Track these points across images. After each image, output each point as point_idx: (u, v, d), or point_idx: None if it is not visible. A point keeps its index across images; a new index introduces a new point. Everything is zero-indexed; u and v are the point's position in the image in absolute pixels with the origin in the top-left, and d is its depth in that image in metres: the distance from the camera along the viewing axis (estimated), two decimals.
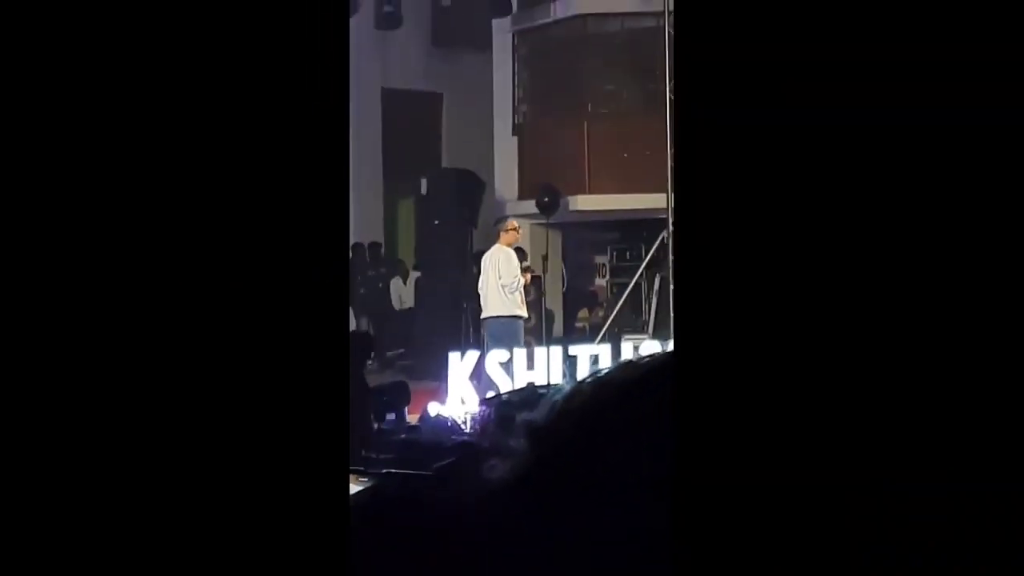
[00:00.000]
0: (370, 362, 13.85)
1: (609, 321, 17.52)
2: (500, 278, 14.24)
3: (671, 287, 16.87)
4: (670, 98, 16.70)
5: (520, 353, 13.64)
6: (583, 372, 13.60)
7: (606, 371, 0.96)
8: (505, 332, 14.19)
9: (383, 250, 20.37)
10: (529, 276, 14.71)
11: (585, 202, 18.95)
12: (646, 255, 17.95)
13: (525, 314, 14.55)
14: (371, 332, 18.21)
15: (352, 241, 18.72)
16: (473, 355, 13.16)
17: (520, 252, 15.56)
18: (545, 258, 18.14)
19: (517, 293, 14.33)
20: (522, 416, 0.94)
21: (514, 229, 14.88)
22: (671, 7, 16.67)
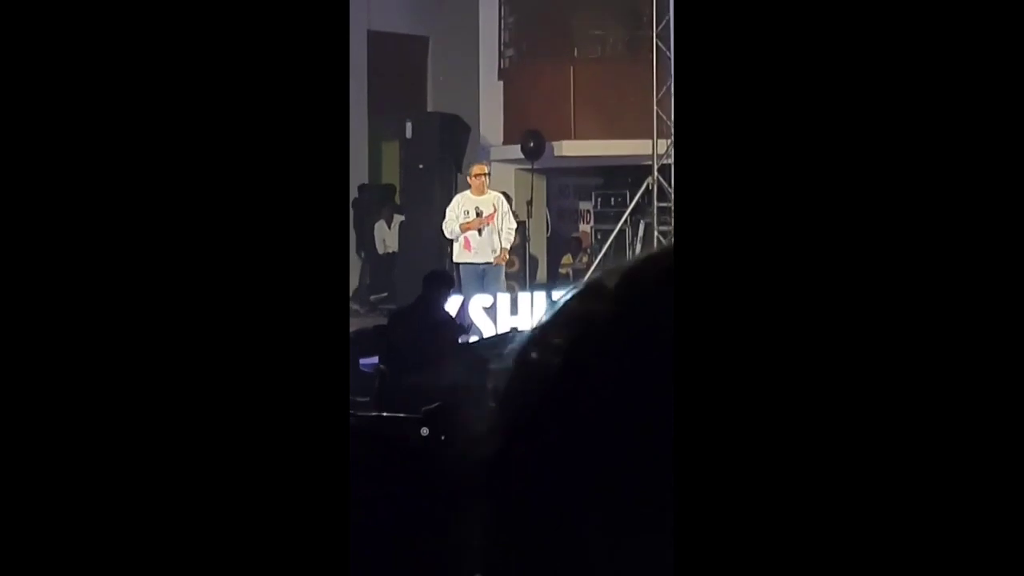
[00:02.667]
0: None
1: (593, 267, 17.50)
2: None
3: (656, 234, 16.85)
4: (656, 44, 16.62)
5: (504, 298, 13.70)
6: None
7: (582, 291, 0.93)
8: (465, 279, 14.30)
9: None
10: (478, 222, 14.50)
11: (570, 147, 18.88)
12: (631, 201, 17.91)
13: (480, 260, 14.42)
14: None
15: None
16: (456, 299, 13.19)
17: (507, 198, 15.41)
18: (529, 203, 18.09)
19: (461, 239, 14.33)
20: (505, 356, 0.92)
21: (477, 175, 14.77)
22: None
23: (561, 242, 20.45)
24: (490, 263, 14.42)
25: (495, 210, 14.54)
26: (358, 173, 19.86)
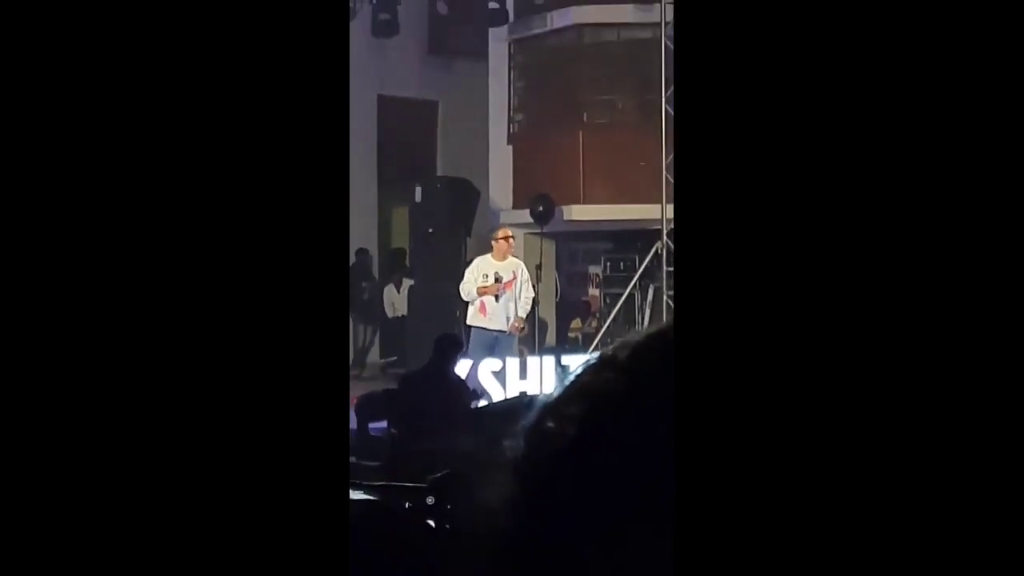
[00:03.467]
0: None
1: (602, 331, 17.53)
2: None
3: (665, 298, 16.89)
4: (665, 109, 16.73)
5: (513, 362, 13.68)
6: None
7: (595, 363, 0.95)
8: (476, 343, 14.16)
9: (376, 257, 20.43)
10: (496, 287, 14.39)
11: (579, 212, 18.96)
12: (640, 266, 17.96)
13: (493, 327, 14.24)
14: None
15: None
16: (466, 363, 13.17)
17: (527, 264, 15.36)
18: (539, 267, 18.17)
19: (477, 302, 14.20)
20: (516, 424, 0.94)
21: (501, 239, 14.62)
22: (668, 18, 16.71)
23: (570, 306, 20.49)
24: (503, 331, 14.24)
25: (515, 277, 14.44)
26: (368, 237, 19.97)
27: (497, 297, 14.27)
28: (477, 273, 14.40)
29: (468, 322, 14.43)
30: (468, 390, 11.94)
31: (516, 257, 15.11)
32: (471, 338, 14.23)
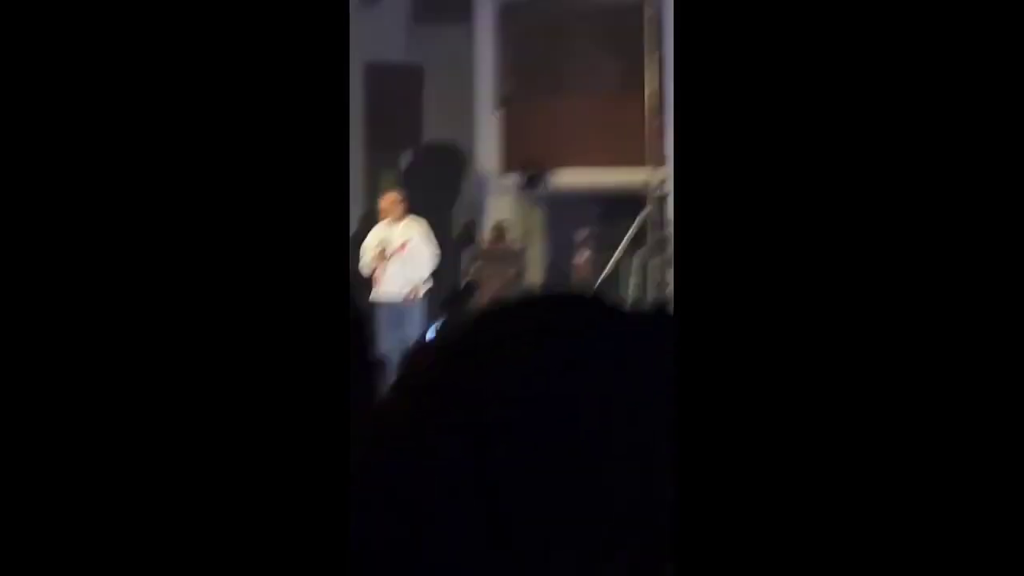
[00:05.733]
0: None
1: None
2: None
3: (649, 264, 16.87)
4: (651, 74, 16.67)
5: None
6: None
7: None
8: (382, 319, 12.81)
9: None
10: (380, 256, 13.43)
11: (567, 177, 18.93)
12: (628, 231, 17.94)
13: (387, 299, 13.14)
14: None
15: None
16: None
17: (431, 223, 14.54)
18: (527, 233, 18.14)
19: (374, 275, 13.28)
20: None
21: (385, 206, 13.68)
22: None
23: (558, 271, 20.48)
24: (397, 302, 13.09)
25: (403, 245, 13.48)
26: (354, 204, 19.91)
27: (385, 265, 13.30)
28: (373, 242, 13.52)
29: (370, 299, 13.24)
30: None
31: (417, 218, 13.95)
32: (382, 315, 12.95)
